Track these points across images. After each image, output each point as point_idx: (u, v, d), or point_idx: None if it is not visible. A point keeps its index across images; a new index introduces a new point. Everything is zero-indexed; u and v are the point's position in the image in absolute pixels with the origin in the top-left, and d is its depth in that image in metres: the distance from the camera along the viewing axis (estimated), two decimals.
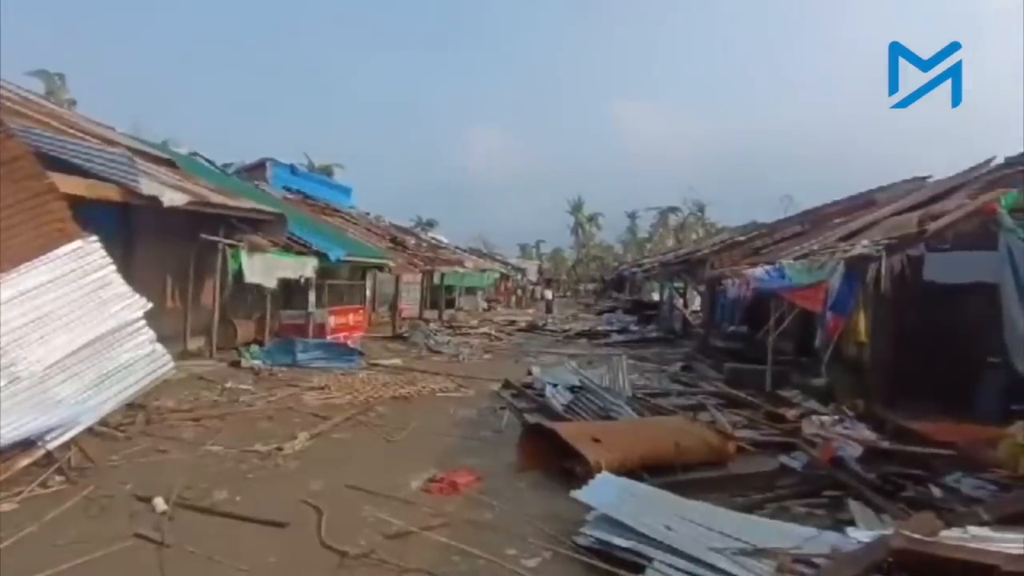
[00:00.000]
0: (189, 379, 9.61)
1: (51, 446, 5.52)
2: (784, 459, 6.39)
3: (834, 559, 3.48)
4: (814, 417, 7.67)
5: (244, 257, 11.48)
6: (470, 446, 7.11)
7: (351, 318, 16.73)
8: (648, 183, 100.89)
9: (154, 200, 8.84)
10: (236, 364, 11.30)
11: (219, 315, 11.84)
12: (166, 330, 8.60)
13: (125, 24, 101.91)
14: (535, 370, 11.92)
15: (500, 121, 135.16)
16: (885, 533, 3.74)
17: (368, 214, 28.22)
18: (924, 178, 14.08)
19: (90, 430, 6.19)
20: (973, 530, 3.72)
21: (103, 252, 7.06)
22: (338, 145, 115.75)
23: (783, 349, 11.27)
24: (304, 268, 13.51)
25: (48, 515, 4.56)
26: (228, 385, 9.54)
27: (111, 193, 8.51)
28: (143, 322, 7.15)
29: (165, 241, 10.98)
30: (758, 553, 3.64)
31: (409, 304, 23.93)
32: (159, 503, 4.79)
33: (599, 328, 23.37)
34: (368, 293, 20.08)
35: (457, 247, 37.48)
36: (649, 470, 5.58)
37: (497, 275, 39.27)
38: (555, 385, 9.36)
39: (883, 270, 7.23)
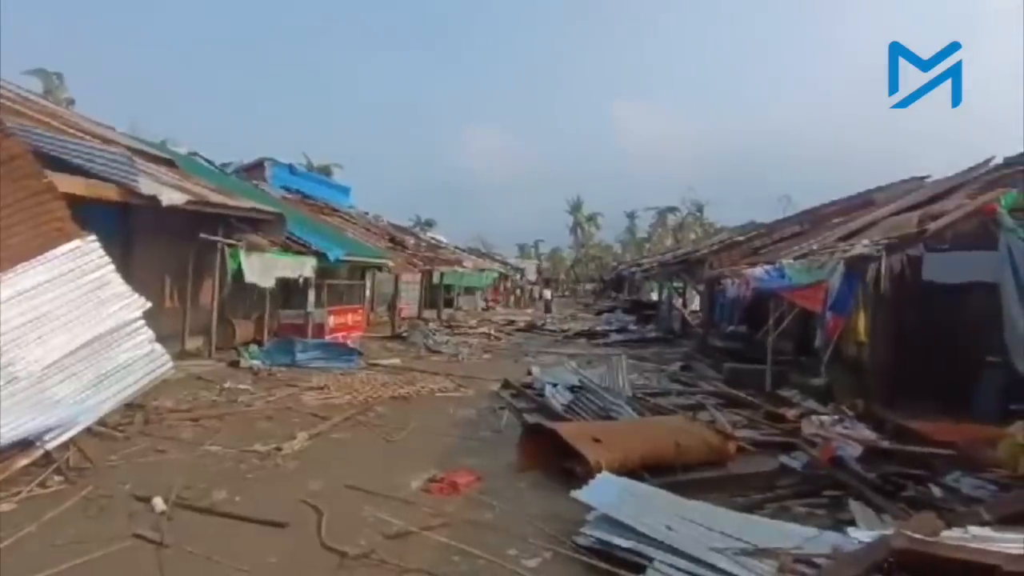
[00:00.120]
0: (188, 379, 9.59)
1: (50, 446, 5.51)
2: (784, 459, 6.39)
3: (835, 559, 3.48)
4: (814, 417, 7.67)
5: (243, 257, 11.46)
6: (470, 446, 7.10)
7: (350, 318, 16.72)
8: (647, 183, 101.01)
9: (153, 199, 8.82)
10: (235, 364, 11.28)
11: (218, 315, 11.82)
12: (165, 330, 8.58)
13: (123, 24, 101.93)
14: (534, 370, 11.92)
15: (499, 121, 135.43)
16: (886, 533, 3.74)
17: (367, 214, 28.19)
18: (922, 178, 14.10)
19: (89, 430, 6.17)
20: (974, 530, 3.72)
21: (102, 252, 7.03)
22: (337, 145, 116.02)
23: (782, 349, 11.28)
24: (303, 268, 13.49)
25: (47, 515, 4.54)
26: (227, 385, 9.52)
27: (110, 192, 8.49)
28: (142, 322, 7.14)
29: (164, 240, 10.96)
30: (759, 553, 3.63)
31: (408, 304, 23.91)
32: (158, 503, 4.78)
33: (598, 328, 23.37)
34: (367, 293, 20.06)
35: (456, 247, 37.47)
36: (649, 470, 5.58)
37: (496, 275, 39.26)
38: (555, 385, 9.35)
39: (883, 270, 7.23)
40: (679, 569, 3.61)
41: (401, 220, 37.98)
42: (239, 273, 11.44)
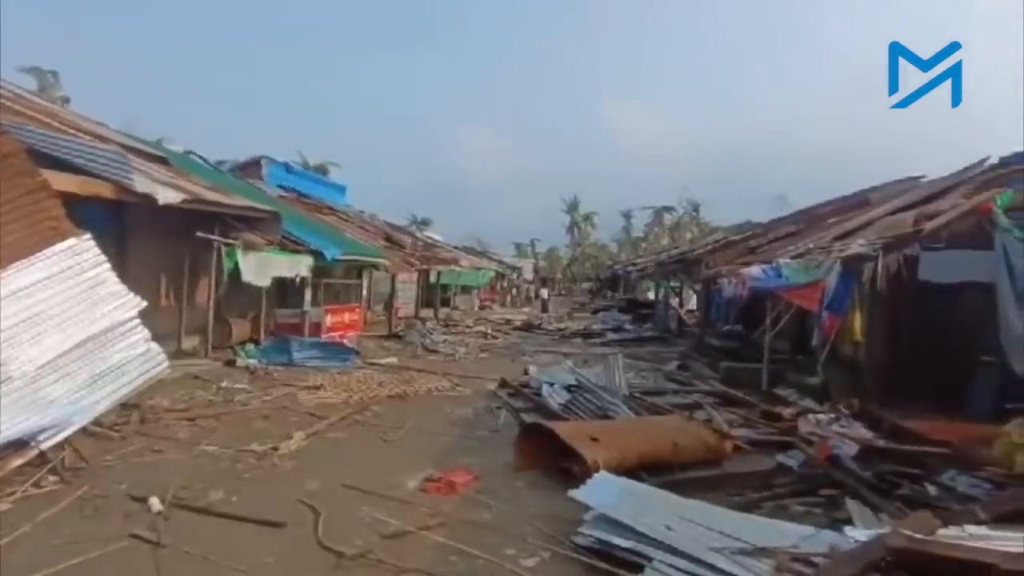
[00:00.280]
0: (184, 378, 9.56)
1: (44, 446, 5.48)
2: (781, 458, 6.41)
3: (832, 558, 3.49)
4: (810, 416, 7.69)
5: (239, 255, 11.41)
6: (467, 445, 7.09)
7: (347, 317, 16.68)
8: (643, 183, 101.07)
9: (148, 198, 8.78)
10: (231, 363, 11.25)
11: (214, 314, 11.78)
12: (160, 329, 8.54)
13: (118, 23, 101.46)
14: (531, 369, 11.92)
15: (495, 121, 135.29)
16: (883, 532, 3.75)
17: (363, 212, 28.13)
18: (918, 178, 14.12)
19: (84, 430, 6.15)
20: (970, 528, 3.73)
21: (97, 250, 7.00)
22: (333, 145, 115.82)
23: (778, 348, 11.30)
24: (299, 267, 13.45)
25: (42, 515, 4.52)
26: (223, 384, 9.49)
27: (105, 191, 8.44)
28: (137, 321, 7.11)
29: (159, 239, 10.91)
30: (757, 552, 3.64)
31: (405, 303, 23.88)
32: (154, 503, 4.76)
33: (594, 327, 23.37)
34: (364, 292, 20.01)
35: (452, 246, 37.42)
36: (647, 469, 5.59)
37: (492, 274, 39.24)
38: (552, 384, 9.34)
39: (879, 269, 7.26)
40: (678, 568, 3.62)
41: (397, 219, 37.91)
42: (235, 272, 11.40)
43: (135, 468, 5.70)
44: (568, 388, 9.07)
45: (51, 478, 5.23)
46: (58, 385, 6.08)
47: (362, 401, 9.00)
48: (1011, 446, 5.48)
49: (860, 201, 14.39)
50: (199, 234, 10.89)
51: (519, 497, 5.40)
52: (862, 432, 6.92)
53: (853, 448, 6.14)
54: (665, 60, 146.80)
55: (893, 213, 9.85)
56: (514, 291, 46.81)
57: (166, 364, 7.39)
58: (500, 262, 45.02)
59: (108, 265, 7.07)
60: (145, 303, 7.30)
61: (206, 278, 11.70)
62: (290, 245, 13.55)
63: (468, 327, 22.09)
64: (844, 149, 71.95)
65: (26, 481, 5.05)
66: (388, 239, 23.37)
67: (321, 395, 9.26)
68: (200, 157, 18.75)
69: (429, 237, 35.62)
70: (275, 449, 6.42)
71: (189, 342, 11.77)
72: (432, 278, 26.25)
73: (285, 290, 14.35)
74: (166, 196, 9.06)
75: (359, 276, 19.61)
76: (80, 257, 6.80)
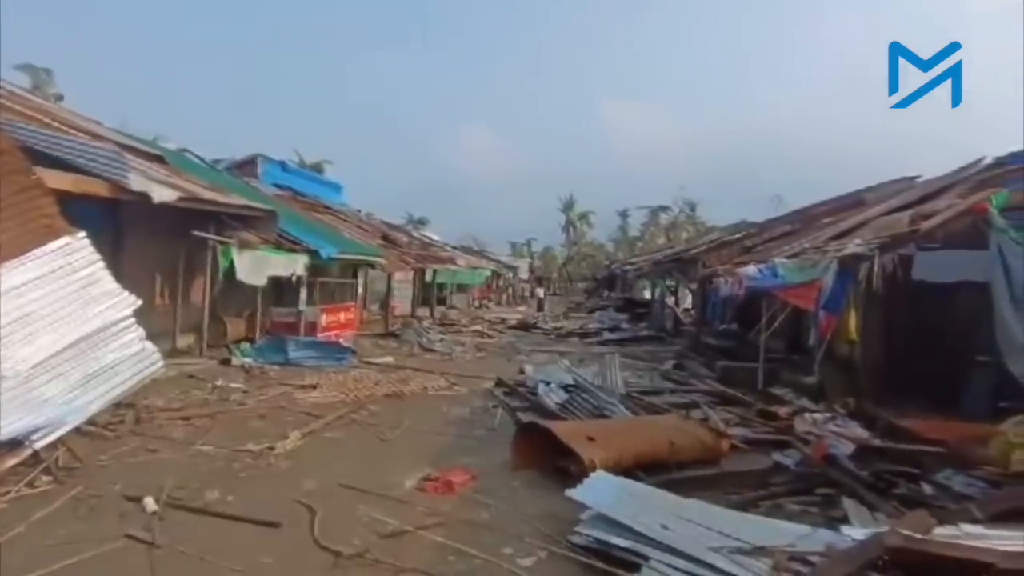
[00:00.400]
0: (179, 377, 9.52)
1: (38, 446, 5.44)
2: (777, 457, 6.42)
3: (829, 557, 3.49)
4: (806, 415, 7.71)
5: (235, 254, 11.37)
6: (464, 445, 7.08)
7: (343, 316, 16.64)
8: (641, 183, 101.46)
9: (143, 196, 8.73)
10: (227, 362, 11.20)
11: (209, 312, 11.73)
12: (155, 328, 8.49)
13: (113, 21, 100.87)
14: (528, 368, 11.92)
15: (491, 121, 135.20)
16: (879, 531, 3.76)
17: (359, 211, 28.06)
18: (913, 178, 14.17)
19: (78, 429, 6.11)
20: (966, 527, 3.75)
21: (91, 249, 6.96)
22: (330, 144, 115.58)
23: (774, 347, 11.33)
24: (295, 265, 13.41)
25: (36, 515, 4.48)
26: (219, 383, 9.44)
27: (100, 189, 8.39)
28: (132, 320, 7.07)
29: (154, 238, 10.85)
30: (754, 551, 3.64)
31: (401, 302, 23.83)
32: (149, 503, 4.73)
33: (591, 326, 23.39)
34: (360, 291, 19.99)
35: (449, 245, 37.39)
36: (643, 468, 5.59)
37: (489, 273, 39.23)
38: (548, 383, 9.34)
39: (875, 269, 7.28)
40: (675, 568, 3.61)
41: (393, 218, 37.86)
42: (231, 271, 11.36)
43: (130, 468, 5.67)
44: (565, 387, 9.08)
45: (45, 478, 5.20)
46: (52, 384, 6.04)
47: (358, 400, 8.97)
48: (1006, 445, 5.50)
49: (855, 201, 14.44)
50: (194, 232, 10.85)
51: (516, 496, 5.39)
52: (858, 431, 6.94)
53: (849, 447, 6.15)
54: (665, 60, 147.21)
55: (889, 213, 9.89)
56: (510, 290, 46.80)
57: (161, 363, 7.35)
58: (496, 261, 45.02)
59: (102, 264, 7.03)
60: (140, 302, 7.27)
61: (201, 277, 11.65)
62: (286, 244, 13.51)
63: (464, 326, 22.07)
64: (844, 150, 72.17)
65: (20, 481, 5.02)
66: (385, 238, 23.32)
67: (317, 394, 9.23)
68: (195, 155, 18.66)
69: (425, 236, 35.59)
70: (271, 448, 6.40)
71: (184, 341, 11.72)
72: (428, 277, 26.21)
73: (281, 289, 14.30)
74: (161, 194, 9.02)
75: (355, 275, 19.57)
76: (74, 256, 6.76)
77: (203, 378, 9.77)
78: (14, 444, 5.32)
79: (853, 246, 7.94)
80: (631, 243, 67.93)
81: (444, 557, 4.15)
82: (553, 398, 8.67)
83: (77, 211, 7.29)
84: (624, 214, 69.79)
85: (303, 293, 14.43)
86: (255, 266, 11.98)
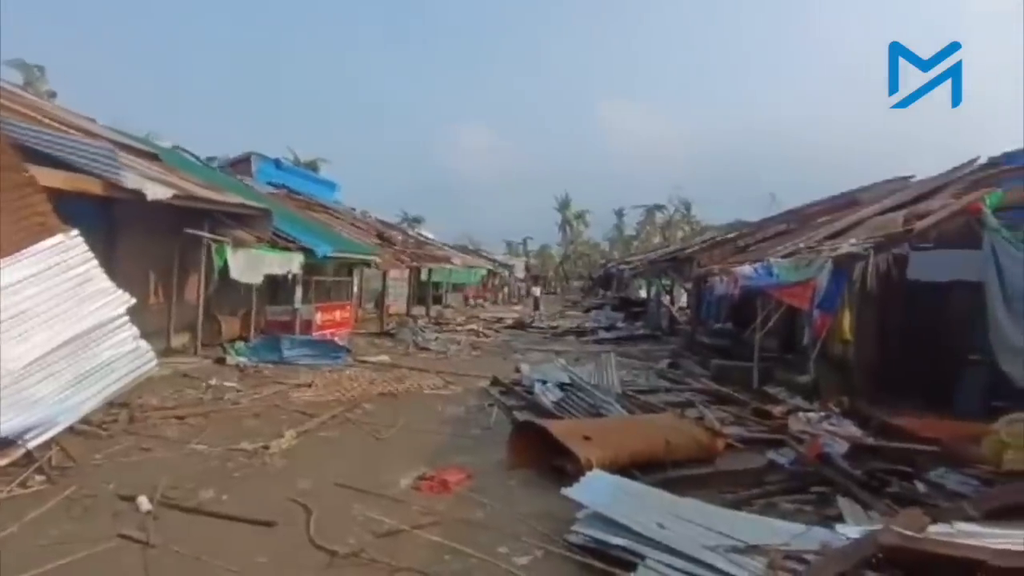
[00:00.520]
0: (173, 376, 9.48)
1: (31, 445, 5.41)
2: (772, 455, 6.45)
3: (824, 555, 3.51)
4: (800, 414, 7.74)
5: (229, 253, 11.33)
6: (460, 444, 7.08)
7: (338, 314, 16.60)
8: (639, 183, 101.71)
9: (137, 194, 8.68)
10: (221, 361, 11.16)
11: (204, 311, 11.68)
12: (149, 326, 8.46)
13: (107, 17, 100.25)
14: (523, 367, 11.90)
15: (487, 120, 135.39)
16: (874, 529, 3.78)
17: (354, 210, 28.01)
18: (907, 178, 14.24)
19: (72, 429, 6.08)
20: (960, 525, 3.76)
21: (85, 247, 6.91)
22: (325, 142, 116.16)
23: (768, 346, 11.36)
24: (290, 264, 13.36)
25: (29, 515, 4.46)
26: (213, 382, 9.41)
27: (93, 186, 8.34)
28: (126, 318, 7.02)
29: (148, 236, 10.80)
30: (750, 550, 3.65)
31: (396, 300, 23.81)
32: (143, 503, 4.71)
33: (586, 325, 23.43)
34: (355, 289, 19.94)
35: (444, 244, 37.35)
36: (639, 467, 5.59)
37: (484, 272, 39.21)
38: (544, 382, 9.34)
39: (870, 268, 7.31)
40: (671, 566, 3.62)
41: (389, 217, 37.80)
42: (225, 269, 11.31)
43: (123, 467, 5.64)
44: (561, 386, 9.08)
45: (38, 478, 5.16)
46: (45, 383, 6.00)
47: (353, 399, 8.95)
48: (999, 443, 5.54)
49: (849, 201, 14.49)
50: (189, 231, 10.80)
51: (512, 495, 5.39)
52: (852, 430, 6.96)
53: (843, 446, 6.18)
54: (664, 60, 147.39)
55: (883, 213, 9.93)
56: (505, 289, 46.79)
57: (155, 362, 7.31)
58: (492, 260, 45.01)
59: (96, 262, 6.98)
60: (134, 300, 7.22)
61: (196, 275, 11.61)
62: (281, 242, 13.46)
63: (460, 325, 22.05)
64: (844, 150, 72.33)
65: (12, 481, 4.98)
66: (380, 236, 23.29)
67: (312, 393, 9.21)
68: (189, 153, 18.58)
69: (421, 235, 35.55)
70: (266, 448, 6.37)
71: (178, 340, 11.67)
72: (424, 276, 26.20)
73: (276, 287, 14.26)
74: (155, 192, 8.97)
75: (350, 273, 19.53)
76: (67, 254, 6.71)
77: (197, 377, 9.73)
78: (6, 443, 5.29)
79: (848, 246, 7.97)
80: (627, 242, 68.01)
81: (440, 556, 4.15)
82: (549, 397, 8.67)
83: (70, 209, 7.24)
84: (620, 213, 69.92)
85: (298, 292, 14.39)
86: (250, 264, 11.93)
